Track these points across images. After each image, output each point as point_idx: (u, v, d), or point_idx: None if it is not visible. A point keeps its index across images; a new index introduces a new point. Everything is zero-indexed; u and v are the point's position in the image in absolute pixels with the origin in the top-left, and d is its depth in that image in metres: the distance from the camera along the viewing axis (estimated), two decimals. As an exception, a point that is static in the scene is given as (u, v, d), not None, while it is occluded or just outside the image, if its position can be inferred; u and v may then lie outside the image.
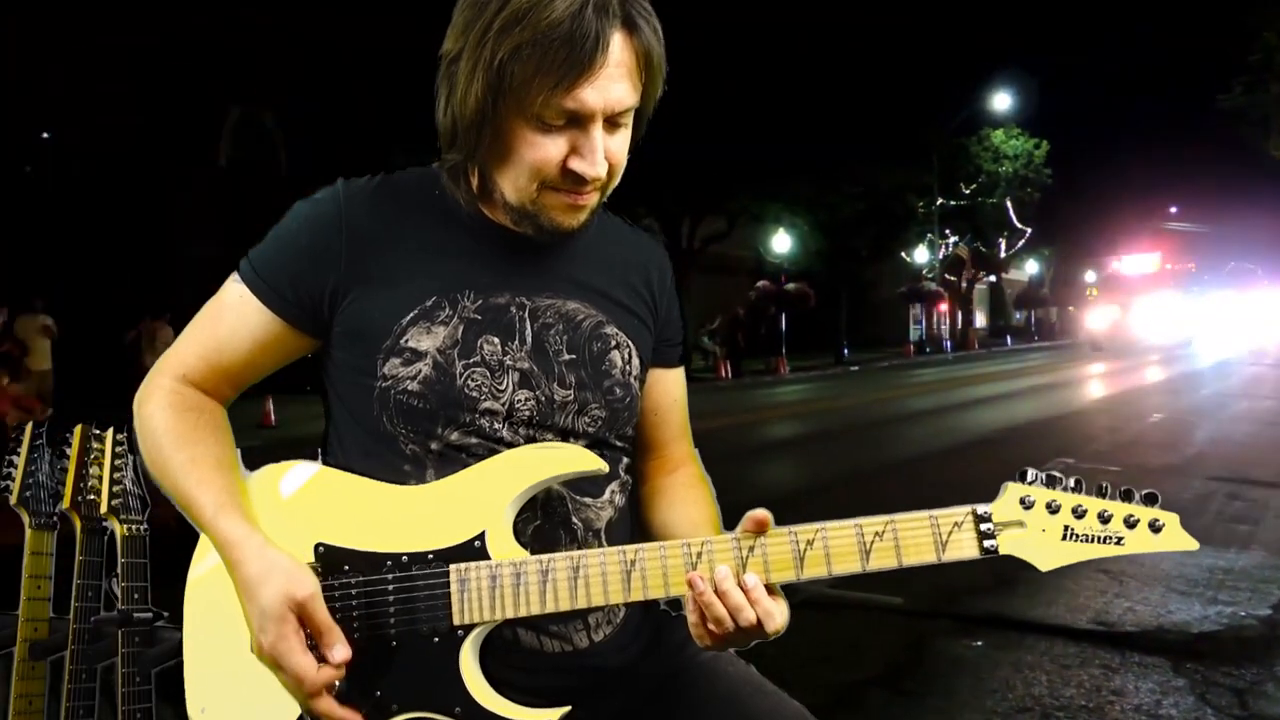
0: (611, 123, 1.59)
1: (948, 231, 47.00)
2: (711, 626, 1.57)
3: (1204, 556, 7.02)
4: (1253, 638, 5.50)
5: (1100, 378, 26.21)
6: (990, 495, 1.63)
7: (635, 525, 1.82)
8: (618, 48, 1.54)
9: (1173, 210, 74.22)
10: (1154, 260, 50.61)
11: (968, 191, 45.81)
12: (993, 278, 57.13)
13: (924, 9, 34.84)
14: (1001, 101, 45.26)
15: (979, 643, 5.46)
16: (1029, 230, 50.48)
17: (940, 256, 47.41)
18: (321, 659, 1.54)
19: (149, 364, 1.79)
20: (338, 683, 1.55)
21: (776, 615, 1.57)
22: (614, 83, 1.55)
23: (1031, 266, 64.03)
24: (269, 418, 16.66)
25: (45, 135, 24.65)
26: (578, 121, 1.56)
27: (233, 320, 1.70)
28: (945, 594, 6.18)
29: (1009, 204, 48.15)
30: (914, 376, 30.64)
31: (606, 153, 1.59)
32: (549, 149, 1.57)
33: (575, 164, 1.57)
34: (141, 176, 24.80)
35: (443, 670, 1.56)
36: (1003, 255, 52.35)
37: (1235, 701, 4.62)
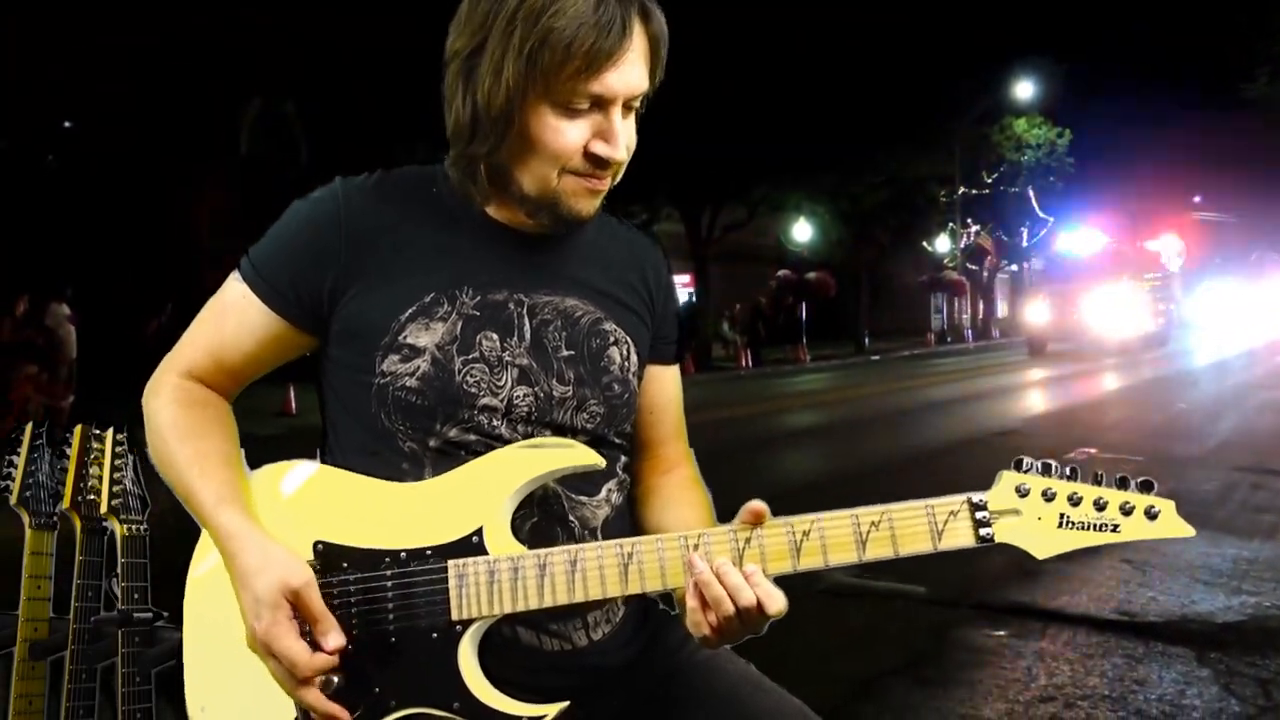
0: (626, 107, 1.63)
1: (969, 220, 46.82)
2: (710, 616, 1.56)
3: (1228, 547, 6.98)
4: (1277, 628, 5.45)
5: (1122, 368, 26.08)
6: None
7: (633, 524, 1.81)
8: (636, 34, 1.59)
9: (1197, 199, 73.78)
10: (1102, 239, 40.56)
11: (990, 180, 45.60)
12: (1015, 267, 56.91)
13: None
14: (1024, 90, 44.99)
15: (1002, 632, 5.44)
16: (1051, 219, 50.22)
17: (962, 245, 47.24)
18: (315, 647, 1.54)
19: None
20: (335, 679, 1.55)
21: (777, 597, 1.56)
22: (634, 67, 1.60)
23: (1054, 255, 63.74)
24: (290, 405, 16.75)
25: (67, 124, 24.75)
26: (600, 106, 1.60)
27: (235, 319, 1.72)
28: (968, 583, 6.16)
29: (1031, 193, 47.91)
30: (935, 366, 30.54)
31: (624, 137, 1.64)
32: (573, 134, 1.60)
33: (598, 148, 1.61)
34: (161, 166, 24.89)
35: (441, 666, 1.56)
36: (1025, 244, 52.11)
37: (1259, 692, 4.59)
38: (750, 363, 31.01)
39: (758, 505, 1.59)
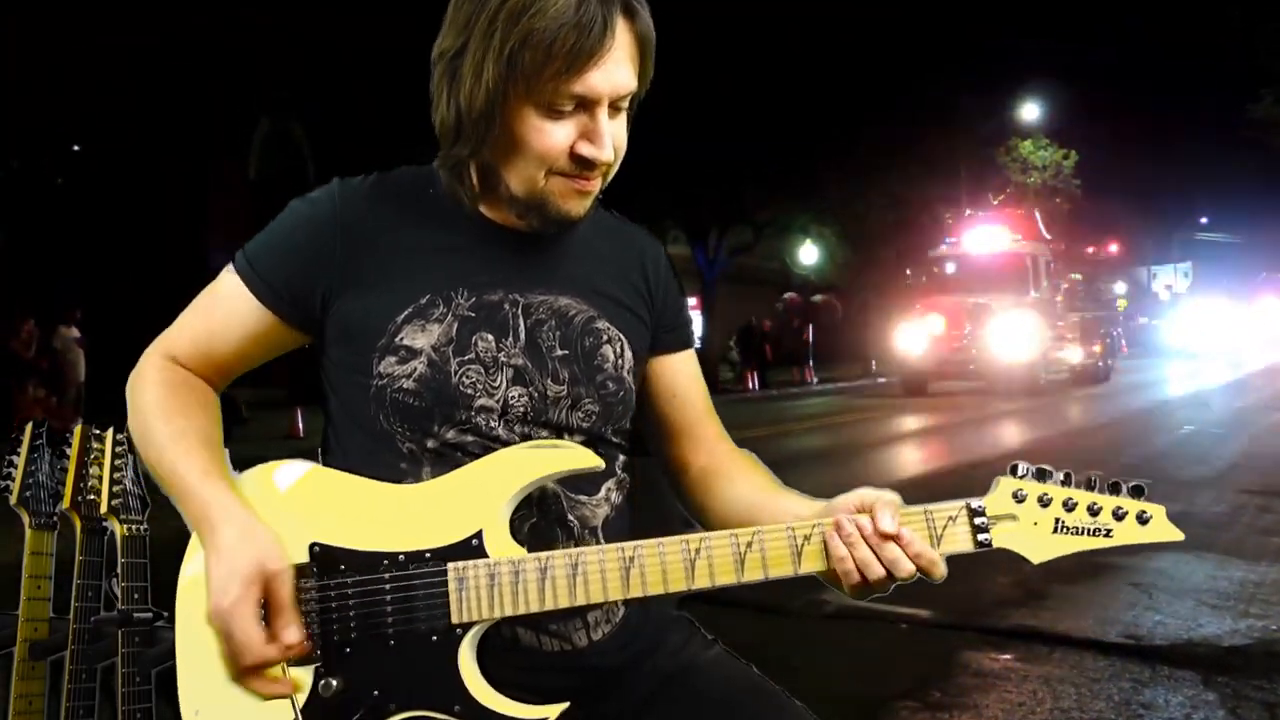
0: (614, 107, 1.63)
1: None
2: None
3: (1235, 570, 6.96)
4: (1284, 651, 5.44)
5: (1128, 391, 26.03)
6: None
7: (634, 523, 1.80)
8: (620, 33, 1.58)
9: (1203, 221, 73.74)
10: (1004, 236, 29.10)
11: (996, 202, 45.60)
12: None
13: (957, 18, 34.70)
14: (1030, 112, 45.07)
15: (1008, 656, 5.41)
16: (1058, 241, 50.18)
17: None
18: (271, 638, 1.53)
19: None
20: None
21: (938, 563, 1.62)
22: (619, 67, 1.59)
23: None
24: (297, 429, 16.73)
25: (76, 148, 24.87)
26: (585, 107, 1.60)
27: (225, 311, 1.72)
28: (974, 607, 6.13)
29: (1037, 215, 47.90)
30: (942, 388, 30.49)
31: (611, 137, 1.64)
32: (557, 135, 1.60)
33: (584, 149, 1.61)
34: (170, 188, 25.00)
35: (441, 669, 1.56)
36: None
37: (1267, 716, 4.56)
38: (756, 385, 30.98)
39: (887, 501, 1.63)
